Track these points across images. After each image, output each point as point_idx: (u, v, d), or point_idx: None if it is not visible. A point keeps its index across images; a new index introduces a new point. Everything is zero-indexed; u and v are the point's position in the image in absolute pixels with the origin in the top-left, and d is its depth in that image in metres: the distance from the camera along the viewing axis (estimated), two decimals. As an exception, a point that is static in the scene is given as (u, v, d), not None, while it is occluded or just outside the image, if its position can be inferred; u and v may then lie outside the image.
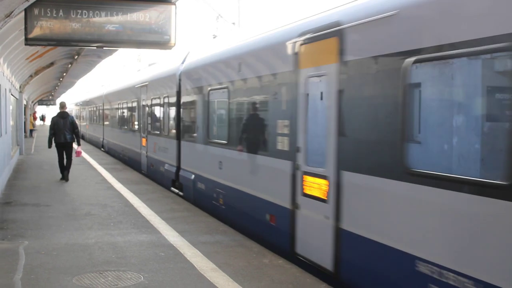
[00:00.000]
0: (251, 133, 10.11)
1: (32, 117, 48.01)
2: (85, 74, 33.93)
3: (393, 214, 6.07)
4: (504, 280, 4.61)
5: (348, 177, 6.88)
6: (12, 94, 20.21)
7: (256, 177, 9.79)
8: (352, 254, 6.86)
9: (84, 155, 25.40)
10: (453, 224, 5.21)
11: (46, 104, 68.26)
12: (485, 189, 4.84)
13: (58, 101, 68.84)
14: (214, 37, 16.07)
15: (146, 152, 19.00)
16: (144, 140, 19.41)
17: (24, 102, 31.91)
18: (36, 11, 9.01)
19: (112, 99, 27.99)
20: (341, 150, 7.04)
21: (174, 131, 15.39)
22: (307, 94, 7.96)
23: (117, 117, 26.18)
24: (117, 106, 26.33)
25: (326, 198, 7.36)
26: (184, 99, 14.51)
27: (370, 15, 6.54)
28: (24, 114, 32.76)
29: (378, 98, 6.44)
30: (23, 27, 9.17)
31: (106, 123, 30.57)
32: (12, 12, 8.54)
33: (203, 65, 13.02)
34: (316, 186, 7.65)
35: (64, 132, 16.49)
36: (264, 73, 9.51)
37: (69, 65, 24.98)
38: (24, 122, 32.66)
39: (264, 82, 9.47)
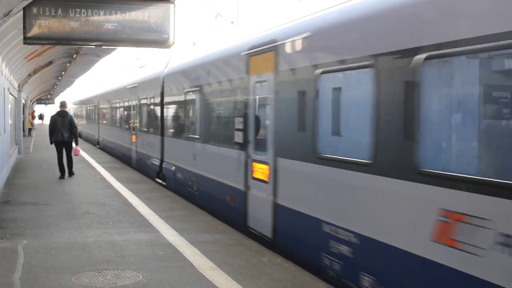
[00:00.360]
0: (216, 128, 12.08)
1: (30, 116, 47.95)
2: (83, 73, 33.95)
3: (308, 189, 7.90)
4: (375, 232, 6.35)
5: (281, 162, 8.64)
6: (10, 93, 20.20)
7: (220, 166, 11.52)
8: (284, 223, 8.64)
9: (83, 154, 25.41)
10: (342, 195, 7.03)
11: (45, 103, 68.23)
12: (360, 167, 6.62)
13: (56, 100, 68.96)
14: (194, 44, 17.38)
15: (136, 148, 20.63)
16: (134, 136, 21.07)
17: (23, 101, 31.89)
18: (34, 10, 9.02)
19: (106, 99, 29.63)
20: (276, 140, 8.80)
21: (158, 128, 17.06)
22: (255, 97, 9.76)
23: (111, 115, 27.76)
24: (111, 106, 27.93)
25: (267, 180, 9.09)
26: (166, 99, 16.25)
27: (294, 35, 8.27)
28: (23, 113, 32.73)
29: (298, 100, 8.22)
30: (22, 26, 9.18)
31: (101, 121, 32.13)
32: (11, 11, 8.55)
33: (181, 70, 15.00)
34: (261, 171, 9.40)
35: (62, 130, 16.76)
36: (225, 78, 11.42)
37: (68, 64, 24.97)
38: (23, 121, 32.65)
39: (226, 86, 11.37)
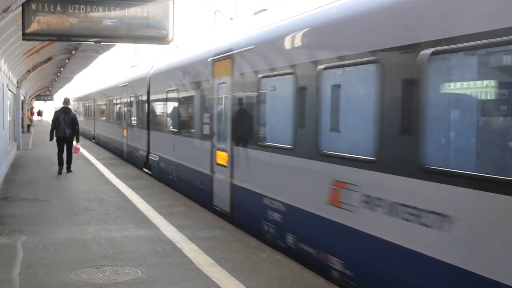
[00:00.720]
0: (190, 123, 13.80)
1: (29, 113, 47.91)
2: (82, 69, 33.91)
3: (252, 170, 9.84)
4: (294, 201, 8.30)
5: (235, 149, 10.51)
6: (9, 89, 20.18)
7: (193, 155, 13.35)
8: (238, 199, 10.51)
9: (82, 151, 25.40)
10: (275, 173, 8.97)
11: (44, 100, 68.17)
12: (286, 151, 8.49)
13: (55, 96, 68.89)
14: (177, 47, 18.63)
15: (126, 141, 22.73)
16: (125, 131, 23.06)
17: (22, 98, 31.87)
18: (33, 6, 9.00)
19: (101, 96, 31.87)
20: (232, 132, 10.64)
21: (145, 123, 19.00)
22: (218, 96, 11.49)
23: (105, 112, 29.79)
24: (105, 103, 30.02)
25: (227, 165, 10.96)
26: (151, 97, 18.07)
27: (244, 46, 10.07)
28: (22, 110, 32.72)
29: (246, 99, 10.12)
30: (21, 22, 9.16)
31: (96, 117, 34.55)
32: (10, 7, 8.54)
33: (163, 71, 16.86)
34: (222, 158, 11.25)
35: (64, 127, 17.08)
36: (197, 80, 13.12)
37: (67, 60, 24.95)
38: (22, 118, 32.63)
39: (197, 86, 13.06)
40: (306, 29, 8.08)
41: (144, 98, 18.87)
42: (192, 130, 13.49)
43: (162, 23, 9.60)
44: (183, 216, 10.92)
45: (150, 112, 18.24)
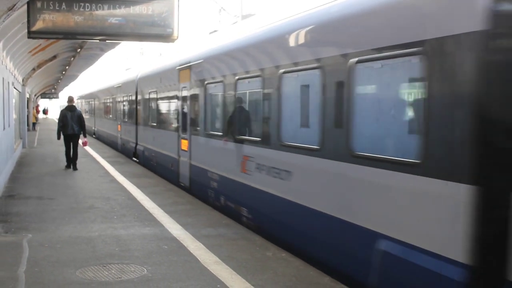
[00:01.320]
0: (164, 118, 17.37)
1: (35, 111, 48.00)
2: (87, 67, 33.95)
3: (204, 152, 13.04)
4: (222, 172, 11.61)
5: (193, 138, 13.90)
6: (15, 88, 20.22)
7: (166, 144, 16.73)
8: (194, 175, 13.71)
9: (87, 149, 25.46)
10: (213, 152, 12.23)
11: (49, 98, 68.24)
12: (218, 136, 11.76)
13: (60, 94, 69.04)
14: (160, 54, 21.92)
15: (120, 135, 26.43)
16: (119, 126, 26.72)
17: (27, 96, 31.93)
18: (38, 4, 8.99)
19: (100, 96, 35.79)
20: (191, 125, 14.06)
21: (134, 119, 22.45)
22: (182, 97, 14.84)
23: (104, 109, 33.65)
24: (104, 101, 33.79)
25: (187, 150, 14.24)
26: (139, 97, 21.50)
27: (197, 59, 13.39)
28: (27, 108, 32.79)
29: (197, 100, 13.38)
30: (26, 20, 9.16)
31: (96, 114, 38.15)
32: (15, 5, 8.54)
33: (147, 75, 20.33)
34: (184, 144, 14.57)
35: (71, 124, 17.72)
36: (168, 83, 16.54)
37: (72, 59, 24.98)
38: (27, 116, 32.70)
39: (169, 89, 16.52)
40: (230, 51, 11.62)
41: (133, 98, 22.45)
42: (165, 124, 17.07)
43: (167, 21, 9.57)
44: (188, 214, 10.93)
45: (138, 109, 21.64)
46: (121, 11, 9.42)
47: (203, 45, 14.16)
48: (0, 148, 13.20)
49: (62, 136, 18.11)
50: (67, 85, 60.10)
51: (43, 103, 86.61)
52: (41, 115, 72.53)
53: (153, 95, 18.61)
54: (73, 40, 17.93)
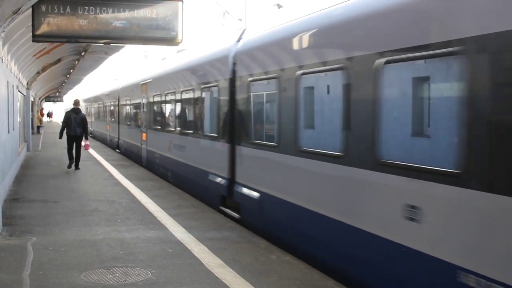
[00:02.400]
0: (134, 118, 23.36)
1: (39, 114, 48.07)
2: (92, 70, 34.01)
3: (151, 140, 19.54)
4: (165, 152, 17.52)
5: (148, 131, 19.91)
6: (19, 91, 20.26)
7: (134, 137, 22.82)
8: (149, 157, 19.69)
9: (91, 152, 25.51)
10: (158, 139, 18.34)
11: (53, 101, 68.35)
12: (159, 130, 18.27)
13: (65, 97, 69.15)
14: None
15: (108, 133, 32.99)
16: (108, 126, 33.39)
17: (31, 99, 31.98)
18: (43, 8, 9.03)
19: (95, 101, 42.45)
20: (147, 122, 19.98)
21: (117, 119, 28.54)
22: (143, 104, 20.82)
23: (96, 112, 40.72)
24: (97, 105, 40.56)
25: (145, 140, 20.34)
26: (120, 103, 27.57)
27: (149, 79, 19.96)
28: (32, 111, 32.87)
29: (149, 107, 19.96)
30: (31, 23, 9.19)
31: (92, 116, 44.04)
32: (20, 8, 8.55)
33: (124, 87, 26.65)
34: (144, 136, 20.36)
35: (75, 126, 18.68)
36: (134, 95, 22.97)
37: (76, 62, 25.03)
38: (32, 119, 32.76)
39: (135, 99, 22.99)
40: (167, 75, 17.48)
41: (116, 103, 28.71)
42: (133, 122, 23.52)
43: (171, 24, 9.59)
44: (192, 217, 10.92)
45: (120, 112, 27.64)
46: (126, 14, 9.44)
47: (154, 68, 20.84)
48: (4, 151, 13.22)
49: (65, 137, 19.02)
50: (71, 89, 60.19)
51: (47, 106, 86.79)
52: (45, 118, 72.65)
53: (127, 102, 25.13)
54: (78, 43, 17.97)
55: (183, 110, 15.41)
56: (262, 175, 9.80)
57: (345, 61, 7.07)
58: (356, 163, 6.90)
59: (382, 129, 6.35)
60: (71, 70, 30.36)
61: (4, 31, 9.60)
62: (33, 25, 9.06)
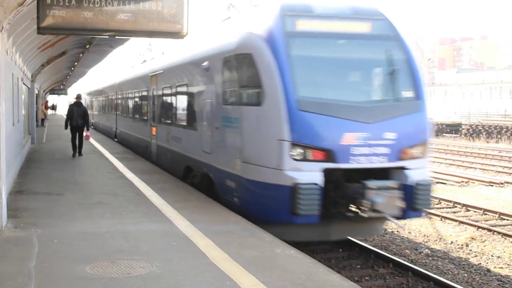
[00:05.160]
0: (107, 111, 34.40)
1: (44, 107, 48.14)
2: (96, 63, 34.04)
3: (120, 123, 28.60)
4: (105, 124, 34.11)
5: (119, 127, 29.07)
6: (24, 83, 20.27)
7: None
8: (119, 135, 29.31)
9: (95, 144, 25.57)
10: (108, 120, 34.05)
11: (58, 94, 68.39)
12: (112, 115, 31.67)
13: (69, 90, 69.31)
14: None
15: (100, 122, 40.00)
16: (100, 116, 39.62)
17: (36, 91, 32.03)
18: (48, 0, 9.00)
19: (93, 94, 46.34)
20: (99, 119, 39.95)
21: (114, 111, 31.67)
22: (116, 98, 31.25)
23: (94, 105, 45.11)
24: (95, 99, 44.42)
25: (116, 123, 30.27)
26: (118, 96, 30.06)
27: (119, 82, 31.18)
28: (36, 104, 32.91)
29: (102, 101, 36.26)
30: (36, 16, 9.16)
31: (92, 108, 48.23)
32: (25, 0, 8.55)
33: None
34: (118, 122, 29.55)
35: (77, 117, 20.65)
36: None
37: (81, 55, 25.04)
38: (36, 111, 32.80)
39: (104, 97, 36.28)
40: (131, 79, 25.54)
41: (114, 97, 31.38)
42: (109, 115, 33.23)
43: (177, 17, 9.54)
44: (197, 211, 10.92)
45: (118, 104, 30.02)
46: (131, 7, 9.40)
47: (120, 76, 30.28)
48: (9, 144, 13.22)
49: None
50: (75, 81, 60.23)
51: (51, 99, 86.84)
52: (49, 111, 72.68)
53: (120, 96, 28.82)
54: (82, 36, 17.96)
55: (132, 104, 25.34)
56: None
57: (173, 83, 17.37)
58: (176, 125, 16.14)
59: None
60: (76, 63, 30.38)
61: (9, 23, 9.60)
62: (38, 17, 9.02)
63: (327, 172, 9.68)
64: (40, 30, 9.27)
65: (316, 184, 9.47)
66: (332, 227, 10.45)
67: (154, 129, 19.17)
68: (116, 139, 30.26)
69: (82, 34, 12.22)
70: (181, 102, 15.48)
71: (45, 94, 58.62)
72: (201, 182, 13.33)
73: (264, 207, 10.17)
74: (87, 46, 21.75)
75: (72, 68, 34.69)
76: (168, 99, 17.13)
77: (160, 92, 18.09)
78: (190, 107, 14.36)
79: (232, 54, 11.21)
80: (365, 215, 9.58)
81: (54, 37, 16.85)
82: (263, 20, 10.80)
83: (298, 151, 9.64)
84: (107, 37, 14.56)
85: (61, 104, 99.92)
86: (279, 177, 9.73)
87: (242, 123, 10.77)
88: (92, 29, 9.39)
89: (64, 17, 9.13)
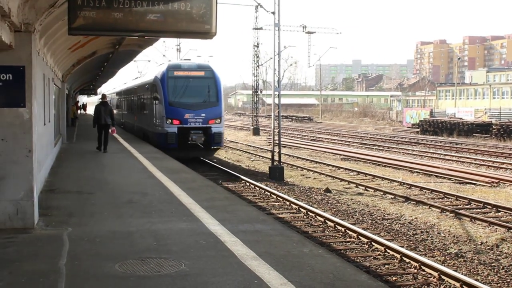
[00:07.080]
0: (120, 108, 48.76)
1: (74, 107, 48.74)
2: (125, 64, 34.34)
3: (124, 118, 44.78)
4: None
5: (124, 119, 44.25)
6: (54, 84, 20.55)
7: (118, 117, 40.64)
8: (124, 125, 43.55)
9: (125, 144, 25.81)
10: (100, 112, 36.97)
11: (87, 94, 69.23)
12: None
13: (98, 90, 70.33)
14: (125, 83, 37.05)
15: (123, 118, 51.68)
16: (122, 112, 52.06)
17: (66, 92, 32.44)
18: (79, 1, 9.08)
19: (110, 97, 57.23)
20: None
21: (119, 109, 46.25)
22: (113, 103, 48.91)
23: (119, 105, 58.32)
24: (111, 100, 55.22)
25: (122, 120, 44.72)
26: (121, 99, 43.45)
27: (112, 93, 55.41)
28: (66, 103, 33.33)
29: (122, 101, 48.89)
30: (67, 17, 9.28)
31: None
32: (56, 2, 8.67)
33: (112, 93, 52.60)
34: (114, 115, 30.78)
35: (104, 116, 22.55)
36: (116, 98, 50.16)
37: (110, 55, 25.27)
38: (66, 111, 33.21)
39: (115, 100, 51.48)
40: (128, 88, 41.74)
41: (119, 100, 44.73)
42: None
43: (206, 17, 9.57)
44: (225, 210, 10.97)
45: (121, 105, 42.79)
46: (160, 7, 9.46)
47: (117, 87, 50.86)
48: (40, 143, 13.42)
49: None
50: (105, 81, 60.90)
51: (81, 99, 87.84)
52: (79, 111, 73.49)
53: (115, 102, 44.44)
54: (112, 36, 18.14)
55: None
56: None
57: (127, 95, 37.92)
58: (138, 113, 33.22)
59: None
60: (105, 63, 30.69)
61: (41, 25, 9.75)
62: (69, 18, 9.13)
63: (179, 128, 24.66)
64: (71, 31, 9.37)
65: (175, 132, 24.57)
66: (187, 152, 24.96)
67: (135, 117, 34.62)
68: (122, 126, 42.28)
69: (112, 34, 12.35)
70: (141, 103, 31.83)
71: (75, 94, 59.37)
72: (143, 135, 29.92)
73: (158, 141, 25.38)
74: (117, 47, 21.97)
75: (102, 69, 35.07)
76: (138, 101, 33.40)
77: (136, 98, 34.49)
78: (142, 105, 31.32)
79: (151, 83, 27.37)
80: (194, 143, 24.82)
81: (84, 37, 17.03)
82: (161, 71, 26.55)
83: (169, 120, 24.69)
84: (137, 37, 14.70)
85: (89, 104, 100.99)
86: (162, 130, 24.88)
87: (154, 110, 26.53)
88: (121, 29, 9.46)
89: (95, 18, 9.23)
